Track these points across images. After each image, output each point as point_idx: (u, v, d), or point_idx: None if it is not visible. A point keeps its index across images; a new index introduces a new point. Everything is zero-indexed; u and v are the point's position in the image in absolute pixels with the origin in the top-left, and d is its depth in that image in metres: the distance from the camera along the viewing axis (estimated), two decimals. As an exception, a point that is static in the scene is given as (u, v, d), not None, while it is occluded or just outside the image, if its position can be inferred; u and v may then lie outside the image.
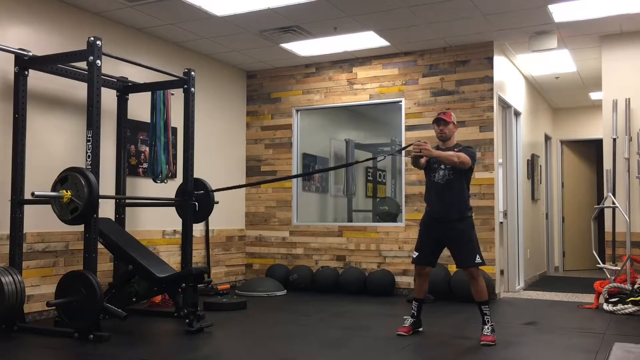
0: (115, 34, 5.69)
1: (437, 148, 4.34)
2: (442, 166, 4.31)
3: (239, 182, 7.36)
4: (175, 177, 6.02)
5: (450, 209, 4.29)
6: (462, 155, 4.21)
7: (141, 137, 5.94)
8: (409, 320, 4.46)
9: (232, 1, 5.26)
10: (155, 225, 6.09)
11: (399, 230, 6.69)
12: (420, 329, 4.51)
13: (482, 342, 4.08)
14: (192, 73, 5.24)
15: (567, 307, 5.91)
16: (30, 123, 4.75)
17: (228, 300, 5.64)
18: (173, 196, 5.47)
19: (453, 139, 4.44)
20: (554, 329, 4.74)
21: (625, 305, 5.37)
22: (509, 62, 7.09)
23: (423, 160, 4.38)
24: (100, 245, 4.56)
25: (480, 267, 4.30)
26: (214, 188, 5.40)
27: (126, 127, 5.61)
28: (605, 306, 5.54)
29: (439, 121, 4.40)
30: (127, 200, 5.57)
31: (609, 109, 6.15)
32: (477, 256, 4.22)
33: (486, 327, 4.17)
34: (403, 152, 5.03)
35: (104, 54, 4.41)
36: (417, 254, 4.46)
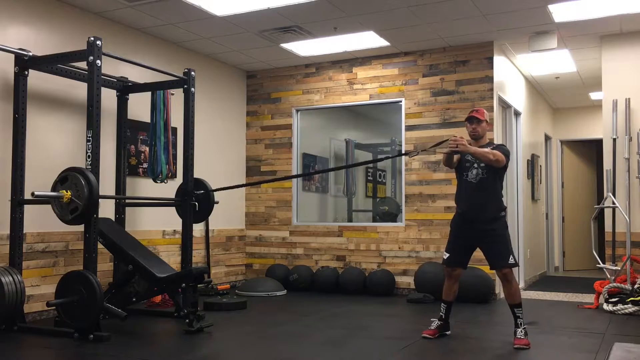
0: (115, 34, 5.69)
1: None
2: (475, 165, 4.19)
3: (238, 182, 7.36)
4: (175, 177, 6.02)
5: (483, 209, 4.17)
6: (498, 152, 4.07)
7: (141, 137, 5.94)
8: (435, 323, 4.35)
9: (232, 1, 5.26)
10: (155, 225, 6.09)
11: (399, 230, 6.69)
12: (448, 332, 4.40)
13: (515, 346, 3.96)
14: (192, 73, 5.24)
15: (567, 307, 5.91)
16: (30, 123, 4.75)
17: (228, 300, 5.64)
18: (173, 196, 5.47)
19: (485, 137, 4.32)
20: (554, 329, 4.74)
21: (625, 305, 5.37)
22: (509, 62, 7.09)
23: (456, 157, 4.26)
24: (100, 245, 4.56)
25: (510, 268, 4.22)
26: (213, 188, 5.40)
27: (126, 127, 5.61)
28: (605, 306, 5.54)
29: (472, 119, 4.26)
30: (127, 200, 5.57)
31: (609, 109, 6.15)
32: (511, 257, 4.10)
33: (519, 330, 4.06)
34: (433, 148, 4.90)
35: (104, 54, 4.41)
36: (448, 255, 4.33)
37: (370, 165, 9.06)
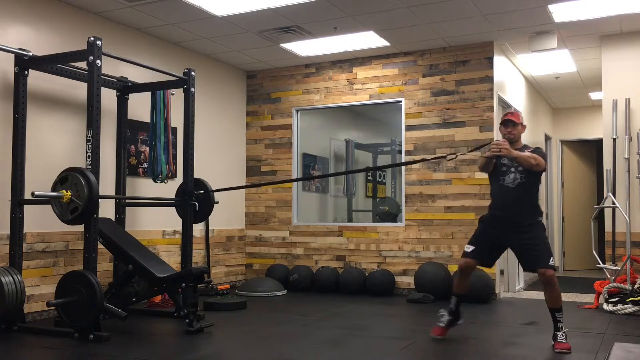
0: (115, 34, 5.69)
1: None
2: (513, 169, 4.10)
3: (239, 182, 7.37)
4: (175, 177, 6.02)
5: (520, 214, 4.06)
6: (538, 157, 3.99)
7: (141, 137, 5.94)
8: (445, 318, 4.27)
9: (232, 1, 5.26)
10: (155, 225, 6.09)
11: (399, 230, 6.69)
12: (460, 322, 4.32)
13: (557, 350, 3.86)
14: (192, 73, 5.24)
15: (567, 307, 5.87)
16: (30, 123, 4.75)
17: (228, 300, 5.64)
18: (173, 196, 5.47)
19: (520, 140, 4.22)
20: (554, 329, 4.73)
21: (625, 305, 5.37)
22: (509, 62, 7.09)
23: (493, 162, 4.16)
24: (100, 245, 4.56)
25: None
26: (214, 188, 5.40)
27: (126, 127, 5.61)
28: (605, 306, 5.54)
29: (507, 123, 4.16)
30: (127, 200, 5.57)
31: (609, 109, 6.15)
32: (551, 259, 4.00)
33: (560, 333, 3.95)
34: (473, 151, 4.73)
35: (104, 54, 4.41)
36: (471, 247, 4.20)
37: (371, 165, 9.06)
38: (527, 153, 4.04)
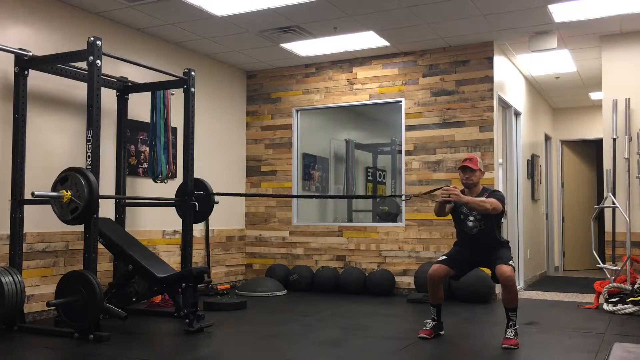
0: (115, 34, 5.69)
1: (463, 193, 4.15)
2: (471, 217, 4.17)
3: (239, 182, 7.39)
4: (175, 177, 6.02)
5: (485, 253, 4.21)
6: (494, 201, 4.03)
7: (141, 137, 5.94)
8: (430, 324, 4.34)
9: (232, 1, 5.26)
10: (155, 225, 6.08)
11: (399, 230, 6.69)
12: (442, 333, 4.38)
13: (503, 346, 3.97)
14: (192, 73, 5.24)
15: (567, 307, 5.91)
16: (30, 123, 4.75)
17: (228, 300, 5.64)
18: (173, 196, 5.47)
19: (479, 185, 4.28)
20: (554, 329, 4.74)
21: (625, 305, 5.37)
22: (509, 62, 7.09)
23: (449, 206, 4.22)
24: (100, 245, 4.56)
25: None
26: (214, 188, 5.41)
27: (126, 127, 5.61)
28: (605, 306, 5.54)
29: (465, 169, 4.23)
30: (127, 200, 5.57)
31: (609, 109, 6.15)
32: (511, 261, 4.11)
33: (510, 330, 4.06)
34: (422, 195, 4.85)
35: (104, 54, 4.41)
36: (444, 257, 4.32)
37: (370, 165, 9.07)
38: (480, 198, 4.07)
